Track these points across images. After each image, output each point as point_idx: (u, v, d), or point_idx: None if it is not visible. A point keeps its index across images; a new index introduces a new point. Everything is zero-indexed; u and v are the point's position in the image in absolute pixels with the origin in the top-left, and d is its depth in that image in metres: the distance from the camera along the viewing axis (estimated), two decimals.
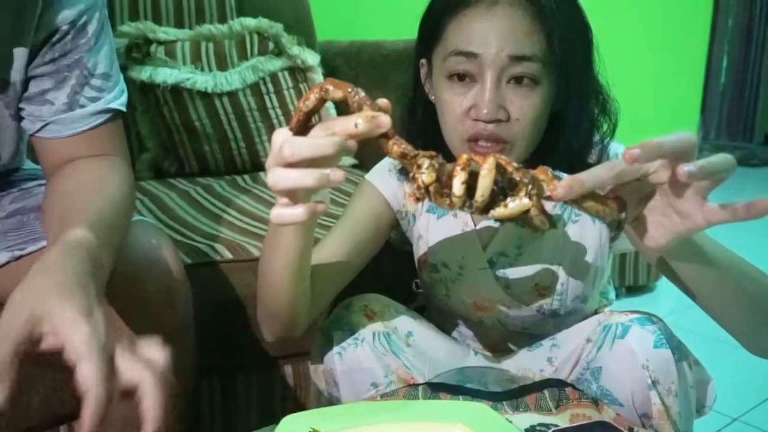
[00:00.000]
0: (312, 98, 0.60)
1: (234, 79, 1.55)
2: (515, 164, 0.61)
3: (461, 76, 0.81)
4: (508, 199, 0.61)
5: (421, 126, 0.91)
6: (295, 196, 0.63)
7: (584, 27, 0.85)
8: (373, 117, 0.59)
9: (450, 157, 0.68)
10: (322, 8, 1.88)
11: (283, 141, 0.60)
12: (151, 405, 0.52)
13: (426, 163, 0.60)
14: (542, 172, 0.60)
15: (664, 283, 2.17)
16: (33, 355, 0.52)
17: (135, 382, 0.52)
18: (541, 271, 0.91)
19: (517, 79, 0.80)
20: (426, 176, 0.60)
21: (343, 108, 0.64)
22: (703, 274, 0.70)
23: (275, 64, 1.61)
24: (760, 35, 4.41)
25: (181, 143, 1.56)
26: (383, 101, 0.61)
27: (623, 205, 0.61)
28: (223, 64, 1.57)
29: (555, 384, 0.83)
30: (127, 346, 0.54)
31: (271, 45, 1.61)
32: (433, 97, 0.88)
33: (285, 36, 1.63)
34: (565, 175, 0.60)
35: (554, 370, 0.91)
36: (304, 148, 0.59)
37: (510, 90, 0.80)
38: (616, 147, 0.89)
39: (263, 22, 1.62)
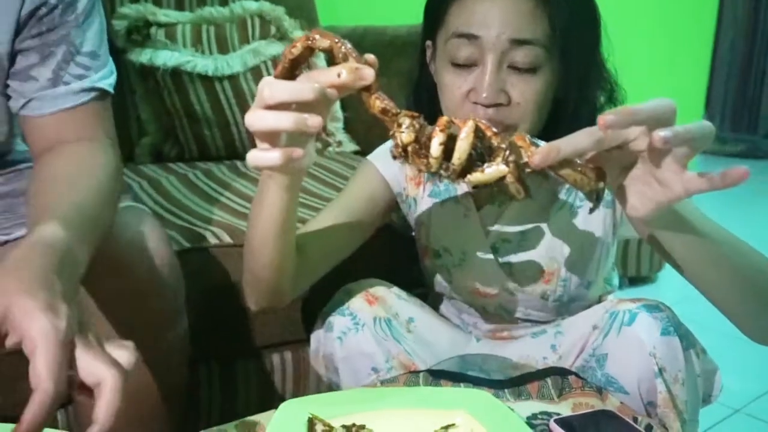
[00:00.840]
0: (298, 46, 0.60)
1: (235, 62, 1.54)
2: (494, 129, 0.61)
3: (462, 58, 0.80)
4: (485, 165, 0.60)
5: (426, 108, 0.90)
6: (273, 140, 0.63)
7: (591, 13, 0.84)
8: (356, 68, 0.59)
9: None
10: None
11: (263, 84, 0.61)
12: (103, 408, 0.50)
13: (407, 122, 0.60)
14: (520, 139, 0.60)
15: (666, 274, 2.16)
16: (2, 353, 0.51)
17: (95, 380, 0.51)
18: (545, 256, 0.90)
19: (519, 64, 0.78)
20: (405, 135, 0.60)
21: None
22: (690, 247, 0.68)
23: (276, 48, 1.59)
24: (766, 27, 4.39)
25: (181, 127, 1.54)
26: (370, 56, 0.61)
27: (602, 175, 0.61)
28: (224, 48, 1.55)
29: (558, 372, 0.82)
30: (95, 343, 0.53)
31: (272, 29, 1.60)
32: (436, 77, 0.87)
33: (287, 20, 1.61)
34: (542, 143, 0.59)
35: (558, 358, 0.90)
36: (282, 90, 0.60)
37: (511, 74, 0.79)
38: None
39: (265, 6, 1.60)
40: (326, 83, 0.60)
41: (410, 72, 0.94)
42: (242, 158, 1.56)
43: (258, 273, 0.81)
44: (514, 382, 0.81)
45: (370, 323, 0.88)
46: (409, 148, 0.61)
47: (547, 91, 0.81)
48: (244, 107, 1.55)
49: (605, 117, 0.54)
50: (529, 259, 0.91)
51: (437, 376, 0.82)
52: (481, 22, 0.78)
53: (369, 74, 0.59)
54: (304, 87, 0.60)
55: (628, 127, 0.57)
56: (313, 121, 0.59)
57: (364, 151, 1.65)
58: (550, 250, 0.90)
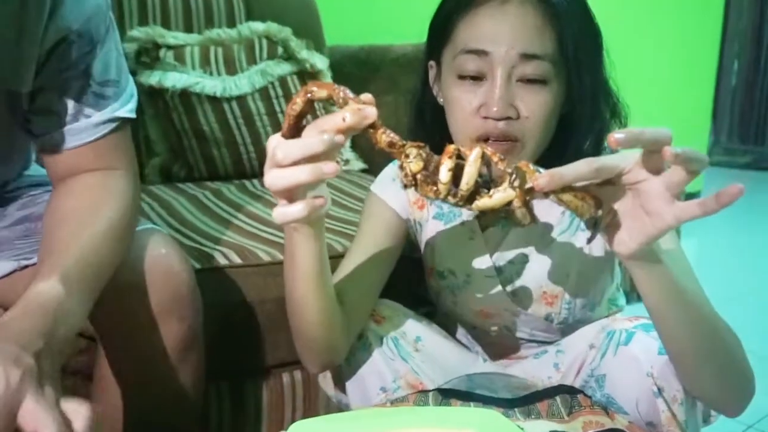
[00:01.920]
0: (299, 101, 0.62)
1: (243, 83, 1.55)
2: (500, 155, 0.63)
3: (471, 73, 0.81)
4: (492, 190, 0.62)
5: (429, 129, 0.90)
6: (293, 194, 0.64)
7: (594, 29, 0.84)
8: (359, 109, 0.61)
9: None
10: (330, 12, 1.88)
11: (275, 146, 0.62)
12: None
13: (414, 152, 0.62)
14: (524, 165, 0.62)
15: None
16: None
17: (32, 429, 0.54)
18: (548, 279, 0.90)
19: (527, 78, 0.79)
20: (414, 164, 0.62)
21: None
22: (656, 287, 0.69)
23: (284, 68, 1.61)
24: None
25: (190, 148, 1.56)
26: (366, 95, 0.62)
27: (599, 203, 0.63)
28: (231, 69, 1.57)
29: (566, 390, 0.82)
30: (50, 400, 0.56)
31: (279, 49, 1.61)
32: (441, 99, 0.88)
33: (294, 40, 1.63)
34: (544, 171, 0.61)
35: (561, 376, 0.90)
36: (294, 150, 0.61)
37: (520, 88, 0.80)
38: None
39: (272, 27, 1.62)
40: (333, 129, 0.61)
41: (413, 90, 0.95)
42: (250, 178, 1.58)
43: (308, 333, 0.81)
44: (524, 401, 0.81)
45: (377, 343, 0.88)
46: (419, 176, 0.62)
47: (555, 105, 0.82)
48: (252, 127, 1.56)
49: (615, 135, 0.57)
50: (532, 281, 0.91)
51: (447, 395, 0.82)
52: (490, 37, 0.79)
53: (372, 112, 0.61)
54: (313, 141, 0.61)
55: (634, 146, 0.58)
56: (329, 168, 0.61)
57: (371, 170, 1.66)
58: (553, 273, 0.90)
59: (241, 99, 1.55)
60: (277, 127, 1.57)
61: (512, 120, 0.79)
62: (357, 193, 1.44)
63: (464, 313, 0.97)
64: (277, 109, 1.59)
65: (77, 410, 0.57)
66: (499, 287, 0.92)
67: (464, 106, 0.81)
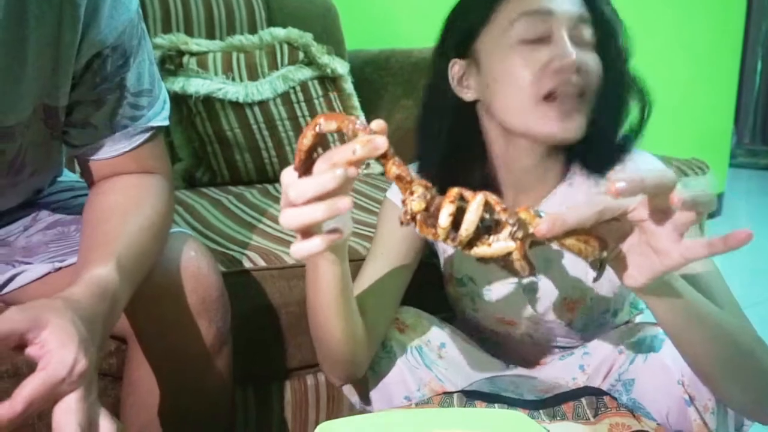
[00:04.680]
0: (308, 135, 0.61)
1: (265, 88, 1.57)
2: (503, 205, 0.61)
3: (535, 39, 0.81)
4: (492, 238, 0.61)
5: (451, 129, 0.89)
6: (309, 230, 0.64)
7: (616, 14, 0.87)
8: (369, 140, 0.59)
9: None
10: (351, 17, 1.89)
11: (287, 185, 0.62)
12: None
13: (419, 191, 0.61)
14: (524, 211, 0.61)
15: None
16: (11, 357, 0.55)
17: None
18: (569, 285, 0.90)
19: (584, 39, 0.82)
20: (416, 204, 0.61)
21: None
22: (677, 320, 0.69)
23: (305, 73, 1.62)
24: None
25: (213, 153, 1.57)
26: (377, 123, 0.61)
27: (604, 244, 0.62)
28: (253, 74, 1.58)
29: (592, 392, 0.81)
30: (93, 399, 0.57)
31: (300, 54, 1.63)
32: (468, 94, 0.87)
33: (314, 45, 1.64)
34: (545, 213, 0.60)
35: (587, 378, 0.90)
36: (308, 189, 0.60)
37: (576, 49, 0.81)
38: (643, 156, 0.87)
39: (293, 32, 1.63)
40: (344, 162, 0.60)
41: (427, 91, 0.93)
42: (273, 182, 1.59)
43: (335, 351, 0.81)
44: (549, 403, 0.81)
45: (401, 352, 0.89)
46: (418, 217, 0.61)
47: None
48: (274, 132, 1.58)
49: (616, 185, 0.55)
50: (553, 287, 0.90)
51: (471, 396, 0.82)
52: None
53: (382, 143, 0.59)
54: (326, 179, 0.60)
55: (637, 194, 0.58)
56: (343, 203, 0.60)
57: None
58: (574, 279, 0.89)
59: (263, 104, 1.57)
60: (298, 132, 1.58)
61: (582, 73, 0.81)
62: (378, 197, 1.44)
63: (484, 320, 0.97)
64: (299, 113, 1.60)
65: (106, 426, 0.57)
66: (520, 294, 0.92)
67: (531, 66, 0.81)
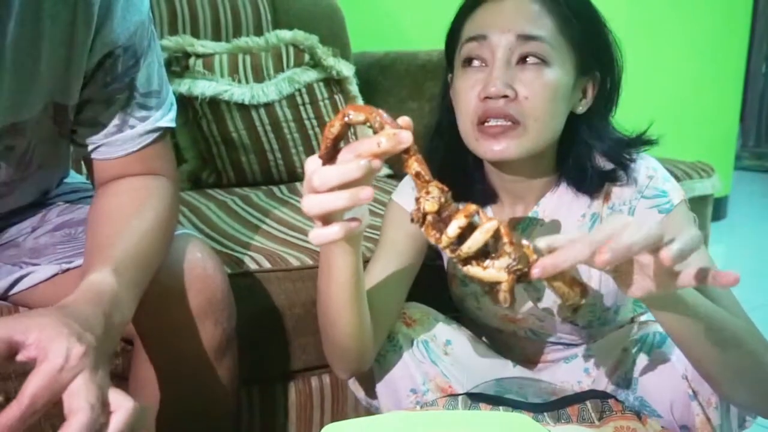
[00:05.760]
0: (336, 125, 0.62)
1: (270, 90, 1.57)
2: (512, 238, 0.63)
3: (474, 61, 0.83)
4: (488, 262, 0.63)
5: (445, 138, 0.92)
6: (329, 217, 0.65)
7: (595, 14, 0.86)
8: (394, 134, 0.61)
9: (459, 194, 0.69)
10: (356, 19, 1.89)
11: (312, 171, 0.63)
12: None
13: (435, 192, 0.62)
14: (527, 248, 0.63)
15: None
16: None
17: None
18: None
19: (526, 58, 0.81)
20: (429, 204, 0.62)
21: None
22: (680, 324, 0.70)
23: (311, 75, 1.63)
24: None
25: (218, 154, 1.58)
26: (404, 119, 0.63)
27: (585, 292, 0.66)
28: (259, 76, 1.59)
29: (597, 395, 0.82)
30: (94, 381, 0.57)
31: (306, 57, 1.63)
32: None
33: (320, 47, 1.64)
34: (544, 243, 0.63)
35: (592, 381, 0.90)
36: (332, 177, 0.62)
37: (519, 70, 0.81)
38: (647, 162, 0.88)
39: (299, 34, 1.64)
40: (368, 154, 0.61)
41: (437, 99, 0.96)
42: (278, 184, 1.59)
43: (343, 344, 0.82)
44: (554, 406, 0.81)
45: (407, 345, 0.89)
46: (429, 218, 0.63)
47: (557, 89, 0.82)
48: (279, 134, 1.58)
49: (603, 257, 0.58)
50: None
51: (476, 399, 0.83)
52: (489, 24, 0.82)
53: (407, 137, 0.61)
54: (350, 168, 0.61)
55: (626, 259, 0.61)
56: (365, 193, 0.61)
57: (397, 174, 1.67)
58: (577, 277, 0.90)
59: (268, 106, 1.57)
60: (304, 134, 1.59)
61: (511, 101, 0.80)
62: (383, 199, 1.44)
63: (488, 318, 0.98)
64: (304, 116, 1.61)
65: (122, 403, 0.57)
66: (523, 292, 0.92)
67: (468, 93, 0.83)
